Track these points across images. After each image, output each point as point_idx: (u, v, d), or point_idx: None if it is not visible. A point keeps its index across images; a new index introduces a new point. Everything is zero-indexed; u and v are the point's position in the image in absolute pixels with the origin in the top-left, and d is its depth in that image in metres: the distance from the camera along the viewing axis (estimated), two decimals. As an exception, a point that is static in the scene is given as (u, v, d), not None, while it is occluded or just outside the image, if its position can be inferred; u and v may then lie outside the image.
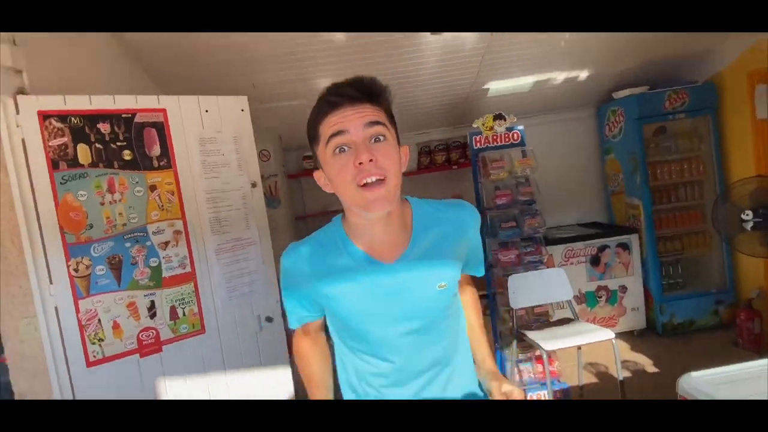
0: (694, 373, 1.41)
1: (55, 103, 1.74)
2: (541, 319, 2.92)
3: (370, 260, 0.91)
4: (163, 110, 1.97)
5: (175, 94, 2.02)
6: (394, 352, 0.94)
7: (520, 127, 3.03)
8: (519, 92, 3.94)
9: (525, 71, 3.64)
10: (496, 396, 0.98)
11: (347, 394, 1.05)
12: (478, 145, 3.01)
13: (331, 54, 2.83)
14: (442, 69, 3.38)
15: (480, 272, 1.10)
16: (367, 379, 0.99)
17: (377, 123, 0.82)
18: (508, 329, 2.93)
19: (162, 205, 1.95)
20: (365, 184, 0.81)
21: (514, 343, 2.69)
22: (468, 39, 3.05)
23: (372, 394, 0.99)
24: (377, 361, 0.96)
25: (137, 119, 1.91)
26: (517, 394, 0.96)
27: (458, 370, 1.01)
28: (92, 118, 1.81)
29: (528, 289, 2.66)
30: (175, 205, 1.98)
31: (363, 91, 0.82)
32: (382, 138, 0.83)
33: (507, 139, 3.00)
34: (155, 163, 1.94)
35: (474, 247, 1.04)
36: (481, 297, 3.28)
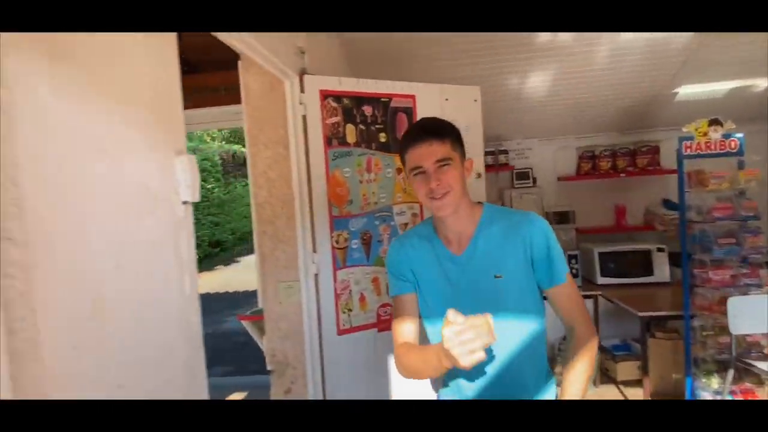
0: None
1: (332, 83, 1.87)
2: (753, 350, 2.62)
3: (444, 250, 1.18)
4: (413, 96, 2.03)
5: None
6: None
7: (739, 135, 2.74)
8: (710, 98, 3.60)
9: (726, 76, 3.32)
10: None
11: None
12: (688, 151, 2.77)
13: (517, 51, 2.75)
14: (630, 70, 3.17)
15: (559, 281, 1.15)
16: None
17: (443, 157, 1.10)
18: (710, 356, 2.66)
19: (405, 188, 2.01)
20: (434, 197, 1.10)
21: (730, 372, 2.43)
22: (675, 39, 2.84)
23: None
24: None
25: (392, 104, 1.98)
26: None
27: (528, 369, 1.16)
28: (359, 100, 1.91)
29: (753, 314, 2.38)
30: (415, 189, 2.03)
31: (432, 133, 1.10)
32: (448, 162, 1.10)
33: (722, 147, 2.73)
34: (403, 147, 2.00)
35: (541, 255, 1.13)
36: (676, 317, 3.02)
